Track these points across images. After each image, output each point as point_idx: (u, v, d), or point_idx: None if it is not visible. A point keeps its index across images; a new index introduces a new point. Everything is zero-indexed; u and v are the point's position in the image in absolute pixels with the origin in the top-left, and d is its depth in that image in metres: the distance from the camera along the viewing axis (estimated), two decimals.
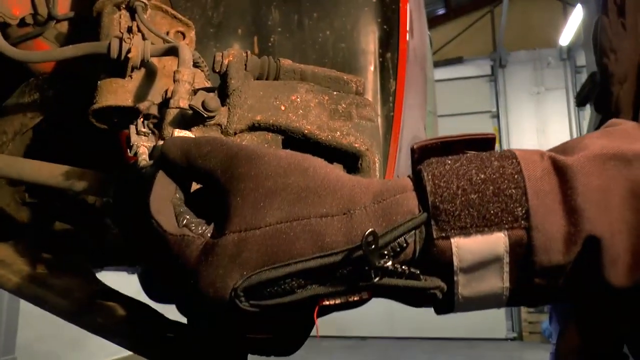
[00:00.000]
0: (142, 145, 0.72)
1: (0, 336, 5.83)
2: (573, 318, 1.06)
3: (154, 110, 0.76)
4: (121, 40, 0.88)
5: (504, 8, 9.55)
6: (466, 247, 0.46)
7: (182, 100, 0.72)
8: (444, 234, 0.46)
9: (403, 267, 0.46)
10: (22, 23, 1.08)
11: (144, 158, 0.69)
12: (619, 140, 0.48)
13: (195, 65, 0.89)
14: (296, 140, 0.73)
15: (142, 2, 0.94)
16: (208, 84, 0.93)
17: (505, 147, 9.87)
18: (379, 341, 9.59)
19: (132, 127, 0.74)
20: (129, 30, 0.90)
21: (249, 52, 0.78)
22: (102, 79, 0.92)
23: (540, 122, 10.00)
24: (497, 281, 0.47)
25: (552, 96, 10.09)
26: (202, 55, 1.05)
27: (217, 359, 0.83)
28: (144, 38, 0.90)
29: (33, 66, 1.13)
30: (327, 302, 0.47)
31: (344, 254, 0.45)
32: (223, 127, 0.70)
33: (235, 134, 0.70)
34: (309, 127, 0.72)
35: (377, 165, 0.74)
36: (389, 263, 0.45)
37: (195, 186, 0.54)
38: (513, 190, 0.45)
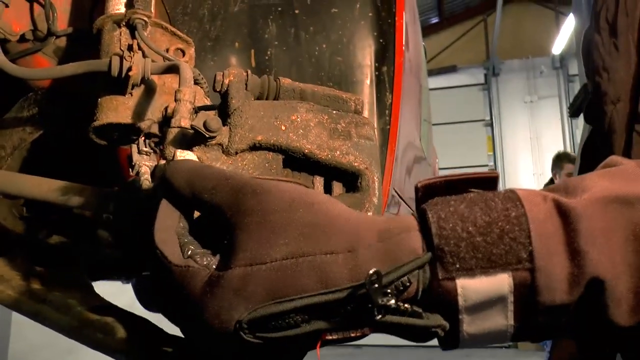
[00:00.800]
0: (144, 164, 0.72)
1: None
2: None
3: (155, 129, 0.77)
4: (122, 58, 0.88)
5: (497, 17, 9.62)
6: (471, 287, 0.47)
7: (183, 120, 0.73)
8: (449, 275, 0.47)
9: (405, 305, 0.47)
10: (22, 39, 1.09)
11: (146, 178, 0.69)
12: (619, 181, 0.49)
13: (195, 82, 0.90)
14: (296, 160, 0.74)
15: (142, 19, 0.95)
16: (208, 101, 0.94)
17: (498, 156, 9.92)
18: (375, 349, 9.58)
19: (134, 147, 0.74)
20: (130, 48, 0.90)
21: (249, 72, 0.79)
22: (102, 96, 0.93)
23: (534, 131, 10.05)
24: (502, 319, 0.48)
25: (545, 105, 10.16)
26: (200, 69, 1.06)
27: None
28: (144, 55, 0.91)
29: (32, 82, 1.14)
30: (330, 337, 0.48)
31: (348, 292, 0.46)
32: (224, 147, 0.71)
33: (237, 153, 0.71)
34: (309, 147, 0.73)
35: (376, 184, 0.75)
36: (392, 301, 0.46)
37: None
38: (517, 233, 0.46)
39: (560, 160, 5.19)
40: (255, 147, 0.71)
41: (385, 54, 1.35)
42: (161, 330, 1.01)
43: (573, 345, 1.00)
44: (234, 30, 1.28)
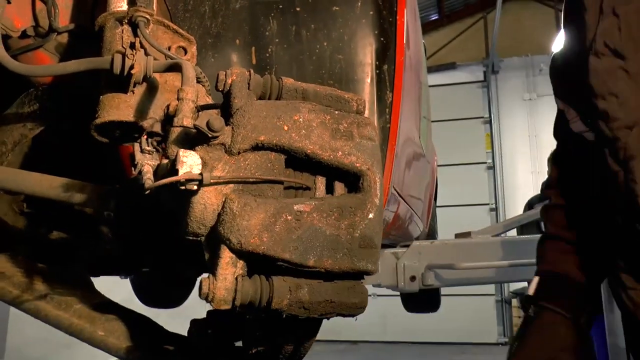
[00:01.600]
0: (147, 163, 0.72)
1: None
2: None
3: (158, 128, 0.77)
4: (124, 55, 0.88)
5: (497, 14, 9.58)
6: None
7: (186, 119, 0.73)
8: None
9: None
10: (23, 35, 1.09)
11: (148, 177, 0.69)
12: None
13: (197, 81, 0.90)
14: (299, 160, 0.74)
15: (144, 17, 0.94)
16: (209, 100, 0.94)
17: (497, 153, 9.91)
18: (370, 345, 9.58)
19: (137, 146, 0.74)
20: (132, 46, 0.90)
21: (251, 71, 0.79)
22: (104, 94, 0.93)
23: (532, 128, 10.03)
24: None
25: (544, 102, 10.12)
26: (200, 65, 1.06)
27: None
28: (146, 54, 0.90)
29: (33, 78, 1.13)
30: None
31: None
32: (227, 147, 0.71)
33: (239, 153, 0.71)
34: (311, 147, 0.73)
35: (378, 184, 0.75)
36: None
37: None
38: None
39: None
40: (257, 147, 0.72)
41: (386, 53, 1.35)
42: (162, 328, 1.01)
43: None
44: (235, 27, 1.27)
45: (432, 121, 4.02)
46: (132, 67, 0.87)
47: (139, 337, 0.97)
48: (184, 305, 3.46)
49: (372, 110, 1.28)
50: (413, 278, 2.42)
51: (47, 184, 1.02)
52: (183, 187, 0.67)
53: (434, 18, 11.77)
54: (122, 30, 0.94)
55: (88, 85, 1.05)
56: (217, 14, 1.27)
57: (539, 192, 6.08)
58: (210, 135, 0.68)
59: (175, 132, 0.73)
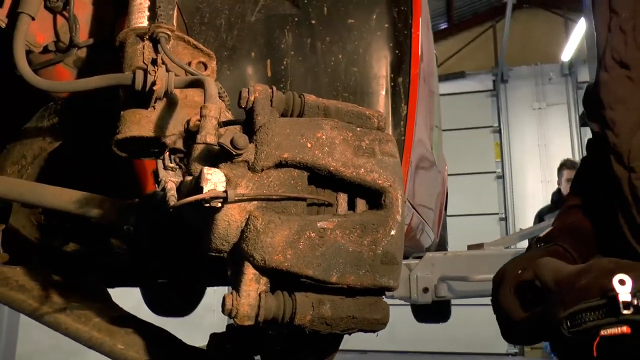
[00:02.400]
0: (170, 180, 0.73)
1: (0, 347, 5.80)
2: None
3: (180, 145, 0.78)
4: (146, 72, 0.89)
5: (506, 23, 9.58)
6: None
7: (209, 136, 0.73)
8: None
9: None
10: (44, 50, 1.10)
11: (172, 194, 0.70)
12: None
13: (219, 97, 0.90)
14: (321, 177, 0.75)
15: (165, 33, 0.95)
16: (229, 115, 0.94)
17: (506, 162, 9.88)
18: (379, 355, 9.53)
19: (160, 162, 0.75)
20: (154, 62, 0.90)
21: (274, 88, 0.79)
22: (125, 109, 0.93)
23: (542, 138, 9.99)
24: None
25: (553, 112, 10.09)
26: (217, 78, 1.06)
27: None
28: (167, 70, 0.91)
29: (54, 93, 1.14)
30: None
31: None
32: (250, 164, 0.71)
33: (262, 170, 0.72)
34: (334, 164, 0.73)
35: (399, 201, 0.75)
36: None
37: None
38: None
39: (560, 168, 5.24)
40: (281, 165, 0.72)
41: (401, 65, 1.35)
42: (180, 341, 1.01)
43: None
44: (251, 40, 1.28)
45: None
46: (153, 83, 0.87)
47: (158, 350, 0.97)
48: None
49: (387, 123, 1.28)
50: (426, 290, 2.41)
51: (67, 198, 1.02)
52: (207, 205, 0.68)
53: (443, 27, 11.78)
54: (143, 47, 0.95)
55: (105, 99, 1.06)
56: (233, 27, 1.27)
57: (548, 201, 6.06)
58: (234, 153, 0.69)
59: (198, 149, 0.73)
